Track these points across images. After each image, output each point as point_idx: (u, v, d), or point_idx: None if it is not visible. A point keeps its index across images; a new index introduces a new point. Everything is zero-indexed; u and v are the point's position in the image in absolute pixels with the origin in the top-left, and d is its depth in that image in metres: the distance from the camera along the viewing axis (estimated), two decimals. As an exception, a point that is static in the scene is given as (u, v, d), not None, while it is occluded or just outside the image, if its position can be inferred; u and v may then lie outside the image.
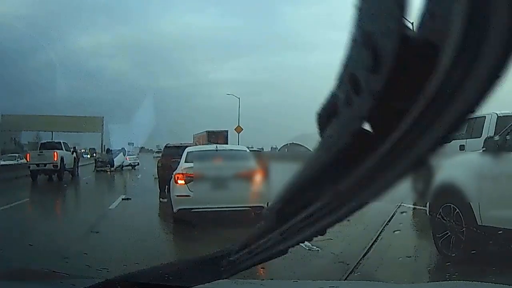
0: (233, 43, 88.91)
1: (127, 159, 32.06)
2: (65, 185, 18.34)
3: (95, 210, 10.14)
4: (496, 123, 8.60)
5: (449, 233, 4.74)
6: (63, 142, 23.24)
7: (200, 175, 7.42)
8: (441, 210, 4.86)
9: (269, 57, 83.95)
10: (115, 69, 73.82)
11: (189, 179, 7.41)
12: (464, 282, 2.18)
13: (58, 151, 21.23)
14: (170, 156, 11.89)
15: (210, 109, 67.01)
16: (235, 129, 35.46)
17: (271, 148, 38.80)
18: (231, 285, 1.41)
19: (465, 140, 8.63)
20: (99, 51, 78.82)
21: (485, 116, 8.78)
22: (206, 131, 30.52)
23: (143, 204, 10.72)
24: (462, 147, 8.59)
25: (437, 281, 2.76)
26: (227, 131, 31.05)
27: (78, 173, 27.15)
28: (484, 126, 8.82)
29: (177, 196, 7.49)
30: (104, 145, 37.13)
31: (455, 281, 2.37)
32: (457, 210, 4.66)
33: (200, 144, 19.00)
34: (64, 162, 21.52)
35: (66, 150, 22.90)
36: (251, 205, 7.12)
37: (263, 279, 2.43)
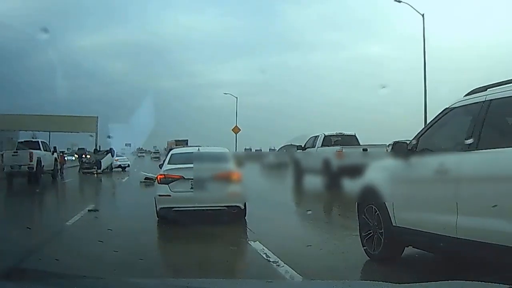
0: (233, 43, 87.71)
1: (117, 160, 30.03)
2: (37, 190, 16.23)
3: (47, 225, 8.14)
4: (324, 140, 16.36)
5: (371, 233, 5.08)
6: (41, 142, 21.06)
7: (180, 176, 7.78)
8: (365, 210, 5.23)
9: (269, 57, 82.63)
10: (114, 69, 72.88)
11: (169, 180, 7.82)
12: (464, 282, 2.11)
13: (34, 151, 19.12)
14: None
15: (209, 109, 65.61)
16: (232, 130, 34.52)
17: (269, 149, 37.82)
18: (232, 285, 1.50)
19: (310, 148, 16.49)
20: (98, 51, 78.00)
21: (318, 135, 16.76)
22: (175, 139, 41.63)
23: (108, 218, 8.71)
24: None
25: (437, 281, 2.44)
26: (187, 140, 39.69)
27: (62, 175, 25.21)
28: (318, 140, 16.48)
29: (159, 195, 7.86)
30: (100, 146, 35.26)
31: (455, 281, 2.20)
32: (377, 211, 5.01)
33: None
34: (42, 164, 19.44)
35: (45, 150, 20.83)
36: (228, 204, 7.63)
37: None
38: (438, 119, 4.77)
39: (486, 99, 4.08)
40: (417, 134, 4.91)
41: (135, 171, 26.45)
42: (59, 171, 26.57)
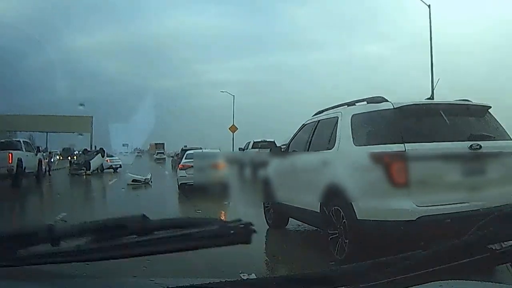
0: (233, 43, 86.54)
1: (108, 161, 28.68)
2: (12, 194, 14.86)
3: None
4: (253, 144, 24.40)
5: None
6: (23, 141, 19.57)
7: (191, 166, 13.02)
8: (264, 189, 7.14)
9: (269, 56, 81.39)
10: (114, 69, 71.80)
11: (186, 168, 13.62)
12: (464, 282, 1.75)
13: (14, 152, 17.70)
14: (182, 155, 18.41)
15: (208, 108, 64.48)
16: (229, 128, 33.83)
17: (239, 148, 37.98)
18: (232, 285, 1.34)
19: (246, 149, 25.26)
20: (97, 51, 77.10)
21: (251, 141, 25.43)
22: (155, 142, 51.18)
23: None
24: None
25: (437, 281, 1.68)
26: (163, 143, 49.68)
27: (47, 176, 23.95)
28: (249, 144, 25.01)
29: (180, 176, 13.95)
30: (95, 146, 34.12)
31: (455, 281, 1.75)
32: (265, 189, 7.07)
33: (152, 149, 44.61)
34: (23, 165, 18.08)
35: (28, 150, 19.47)
36: (219, 182, 9.50)
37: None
38: (298, 131, 7.07)
39: (318, 119, 6.45)
40: (289, 141, 7.35)
41: (127, 172, 25.16)
42: (47, 172, 25.42)
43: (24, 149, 18.86)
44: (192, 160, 13.16)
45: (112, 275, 1.61)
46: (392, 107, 5.08)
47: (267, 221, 7.52)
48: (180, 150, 23.33)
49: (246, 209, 7.25)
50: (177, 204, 10.84)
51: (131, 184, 17.18)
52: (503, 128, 5.40)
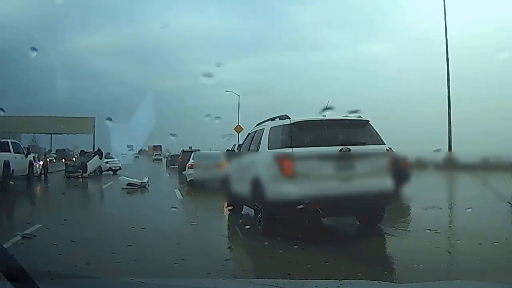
0: (234, 43, 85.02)
1: (107, 163, 27.24)
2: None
3: None
4: (237, 147, 18.95)
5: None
6: (11, 142, 18.08)
7: (198, 164, 15.56)
8: (226, 184, 9.20)
9: (271, 57, 79.87)
10: (115, 70, 70.83)
11: (193, 166, 16.16)
12: (464, 282, 2.13)
13: (1, 153, 16.39)
14: (185, 155, 21.30)
15: (211, 109, 63.13)
16: (234, 129, 32.65)
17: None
18: (232, 285, 1.58)
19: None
20: (99, 52, 76.23)
21: (235, 144, 23.21)
22: (153, 145, 54.58)
23: (39, 252, 5.77)
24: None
25: (437, 281, 2.61)
26: (161, 145, 52.42)
27: (42, 179, 22.63)
28: (235, 147, 19.45)
29: (189, 174, 16.44)
30: (98, 147, 32.77)
31: (456, 281, 2.24)
32: (226, 184, 9.12)
33: (151, 151, 54.43)
34: (11, 168, 16.71)
35: (17, 152, 18.09)
36: (219, 177, 10.20)
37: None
38: (246, 137, 9.25)
39: (256, 129, 8.51)
40: (239, 145, 10.14)
41: (126, 174, 23.72)
42: (42, 175, 24.24)
43: (12, 151, 17.48)
44: (198, 160, 15.99)
45: (110, 277, 1.76)
46: (289, 123, 7.03)
47: (228, 208, 9.44)
48: (181, 151, 25.56)
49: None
50: (173, 215, 9.07)
51: (126, 188, 15.72)
52: (379, 136, 7.12)
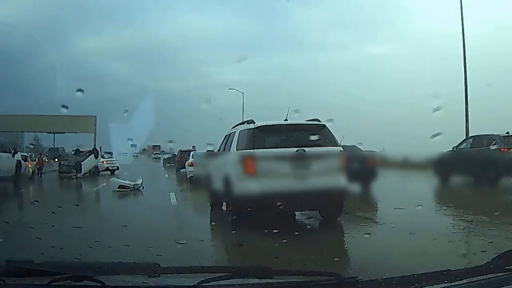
0: (237, 43, 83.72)
1: (104, 162, 26.01)
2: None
3: None
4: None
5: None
6: (-4, 141, 16.98)
7: (197, 163, 14.83)
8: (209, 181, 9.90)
9: (275, 57, 78.74)
10: (118, 71, 70.11)
11: (193, 164, 16.75)
12: (464, 281, 2.03)
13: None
14: (183, 155, 23.47)
15: (214, 109, 61.83)
16: None
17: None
18: (233, 284, 1.40)
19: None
20: (101, 53, 75.73)
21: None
22: (153, 145, 56.84)
23: None
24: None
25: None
26: (159, 145, 54.34)
27: (35, 179, 21.50)
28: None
29: (189, 171, 17.75)
30: (100, 147, 31.68)
31: (456, 281, 2.03)
32: (208, 182, 9.82)
33: (150, 151, 57.07)
34: (-5, 170, 15.52)
35: (2, 151, 16.87)
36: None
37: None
38: (223, 139, 9.57)
39: (230, 132, 9.15)
40: (219, 147, 9.73)
41: (124, 174, 22.49)
42: (39, 174, 23.37)
43: (-4, 151, 16.28)
44: (197, 159, 16.57)
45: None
46: (253, 127, 8.00)
47: (210, 204, 10.00)
48: (178, 151, 27.15)
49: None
50: (160, 229, 7.40)
51: (118, 191, 14.44)
52: (334, 139, 7.97)
